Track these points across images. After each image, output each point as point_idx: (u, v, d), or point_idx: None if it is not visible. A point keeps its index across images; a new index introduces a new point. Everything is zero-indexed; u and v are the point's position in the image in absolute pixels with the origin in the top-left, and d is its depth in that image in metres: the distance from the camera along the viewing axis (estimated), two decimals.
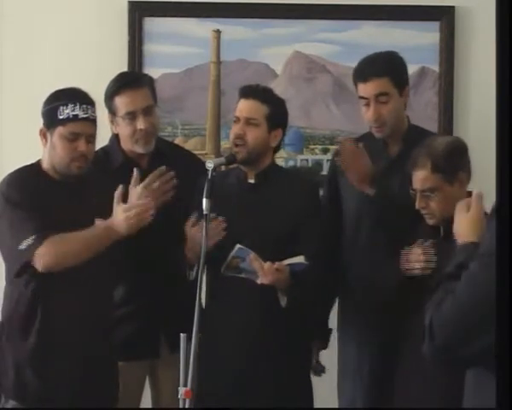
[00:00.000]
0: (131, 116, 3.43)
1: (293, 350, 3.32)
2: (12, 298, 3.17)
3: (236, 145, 3.32)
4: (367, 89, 3.37)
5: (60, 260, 3.07)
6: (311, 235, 3.28)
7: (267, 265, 3.11)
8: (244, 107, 3.34)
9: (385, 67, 3.37)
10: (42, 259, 3.05)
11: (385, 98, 3.36)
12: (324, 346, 3.63)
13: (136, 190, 3.26)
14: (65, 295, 3.12)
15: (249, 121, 3.31)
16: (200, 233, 3.13)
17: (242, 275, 3.21)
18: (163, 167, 3.33)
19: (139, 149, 3.47)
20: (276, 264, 3.11)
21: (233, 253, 3.18)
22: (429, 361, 2.11)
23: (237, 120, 3.34)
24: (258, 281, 3.15)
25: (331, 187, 3.60)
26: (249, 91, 3.36)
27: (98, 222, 3.14)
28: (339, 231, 3.52)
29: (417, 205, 3.11)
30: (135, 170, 3.31)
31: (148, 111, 3.45)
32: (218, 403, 3.20)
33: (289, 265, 3.14)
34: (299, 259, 3.16)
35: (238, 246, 3.16)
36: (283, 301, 3.24)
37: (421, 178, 3.09)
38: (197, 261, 3.13)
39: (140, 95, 3.45)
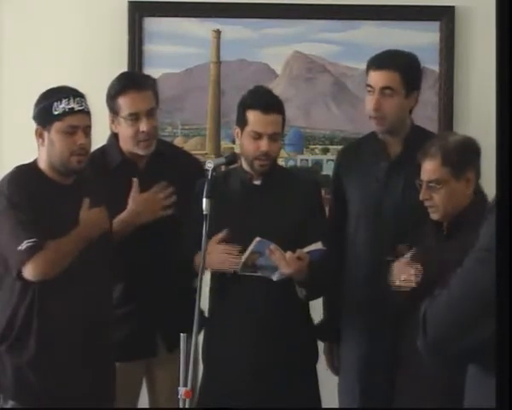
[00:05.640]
0: (134, 117, 3.42)
1: (303, 349, 3.33)
2: (9, 304, 3.15)
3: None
4: (375, 78, 3.37)
5: (55, 268, 3.07)
6: (317, 233, 3.26)
7: (288, 254, 3.10)
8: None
9: (399, 63, 3.37)
10: (39, 264, 3.04)
11: (390, 92, 3.35)
12: (338, 346, 3.62)
13: (135, 199, 3.30)
14: (62, 296, 3.11)
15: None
16: (223, 255, 3.15)
17: (258, 273, 3.18)
18: (164, 183, 3.36)
19: (140, 152, 3.47)
20: (298, 252, 3.10)
21: (251, 247, 3.13)
22: (423, 356, 2.10)
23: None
24: (274, 278, 3.16)
25: (336, 186, 3.60)
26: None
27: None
28: (343, 230, 3.51)
29: (421, 196, 3.12)
30: (134, 180, 3.35)
31: (150, 113, 3.45)
32: (224, 402, 3.20)
33: (308, 252, 3.12)
34: (317, 245, 3.14)
35: (257, 239, 3.12)
36: (302, 293, 3.24)
37: (429, 168, 3.10)
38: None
39: (144, 97, 3.45)
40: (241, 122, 3.29)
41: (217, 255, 3.18)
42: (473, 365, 2.09)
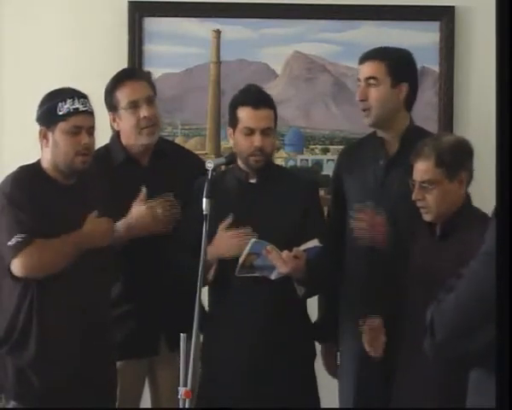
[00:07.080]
0: (134, 105, 3.45)
1: (301, 348, 3.33)
2: (10, 306, 3.15)
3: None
4: (362, 70, 3.41)
5: (41, 266, 3.07)
6: (315, 231, 3.25)
7: (285, 253, 3.10)
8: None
9: (384, 54, 3.39)
10: (25, 259, 3.05)
11: (374, 82, 3.37)
12: (338, 347, 3.62)
13: (140, 208, 3.32)
14: (62, 298, 3.12)
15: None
16: (233, 239, 3.17)
17: (256, 274, 3.18)
18: (170, 196, 3.38)
19: (143, 141, 3.47)
20: (294, 250, 3.10)
21: (248, 248, 3.14)
22: (430, 358, 2.11)
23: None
24: (272, 276, 3.16)
25: (336, 186, 3.59)
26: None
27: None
28: (343, 230, 3.51)
29: (414, 196, 3.12)
30: (143, 189, 3.36)
31: (150, 100, 3.48)
32: (221, 402, 3.20)
33: (305, 250, 3.12)
34: (314, 242, 3.14)
35: (253, 240, 3.14)
36: (301, 291, 3.23)
37: (422, 169, 3.10)
38: (215, 264, 3.19)
39: (140, 85, 3.50)
40: (233, 121, 3.32)
41: (225, 241, 3.20)
42: (477, 367, 2.10)
